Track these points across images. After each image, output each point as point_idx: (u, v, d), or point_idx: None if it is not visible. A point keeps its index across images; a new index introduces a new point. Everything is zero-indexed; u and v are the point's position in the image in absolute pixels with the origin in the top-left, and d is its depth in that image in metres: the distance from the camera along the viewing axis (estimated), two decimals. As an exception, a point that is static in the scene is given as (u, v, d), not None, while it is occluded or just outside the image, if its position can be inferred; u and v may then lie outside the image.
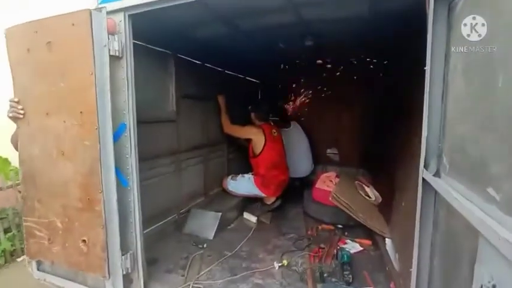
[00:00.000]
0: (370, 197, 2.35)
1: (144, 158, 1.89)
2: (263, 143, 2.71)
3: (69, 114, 1.43)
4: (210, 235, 2.26)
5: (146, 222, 1.79)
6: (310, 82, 3.96)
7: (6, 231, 3.19)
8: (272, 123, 3.09)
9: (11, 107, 1.50)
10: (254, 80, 4.10)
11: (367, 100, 3.63)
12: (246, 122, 3.00)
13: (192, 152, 2.57)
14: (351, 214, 2.07)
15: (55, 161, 1.47)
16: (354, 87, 3.69)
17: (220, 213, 2.39)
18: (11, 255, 3.17)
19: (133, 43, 1.81)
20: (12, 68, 1.52)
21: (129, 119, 1.50)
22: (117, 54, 1.43)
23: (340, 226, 2.36)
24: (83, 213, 1.44)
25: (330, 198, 2.12)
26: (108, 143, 1.41)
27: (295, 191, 3.25)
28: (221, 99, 2.93)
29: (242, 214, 2.71)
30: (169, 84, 2.26)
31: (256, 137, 2.76)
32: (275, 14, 1.85)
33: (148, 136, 2.03)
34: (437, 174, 1.02)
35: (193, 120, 2.61)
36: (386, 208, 2.15)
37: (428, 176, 1.04)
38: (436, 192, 1.03)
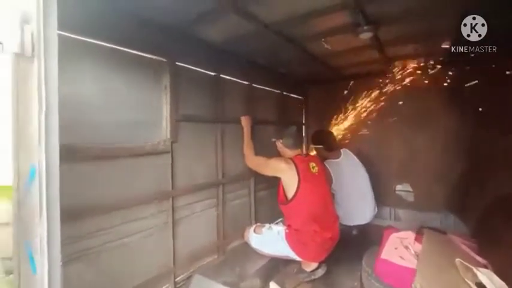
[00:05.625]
0: (488, 291, 1.28)
1: (110, 208, 1.38)
2: (296, 183, 1.83)
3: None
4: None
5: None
6: (367, 93, 3.03)
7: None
8: (310, 154, 2.24)
9: None
10: (296, 96, 3.33)
11: (458, 111, 2.59)
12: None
13: (196, 194, 1.89)
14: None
15: None
16: (436, 93, 2.66)
17: (230, 289, 1.62)
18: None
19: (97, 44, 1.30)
20: None
21: (41, 158, 0.88)
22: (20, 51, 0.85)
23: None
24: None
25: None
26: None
27: (351, 244, 2.30)
28: (246, 122, 2.24)
29: (268, 284, 1.88)
30: (163, 103, 1.66)
31: (286, 175, 1.87)
32: None
33: (120, 176, 1.43)
34: None
35: (200, 151, 1.95)
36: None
37: None
38: None
